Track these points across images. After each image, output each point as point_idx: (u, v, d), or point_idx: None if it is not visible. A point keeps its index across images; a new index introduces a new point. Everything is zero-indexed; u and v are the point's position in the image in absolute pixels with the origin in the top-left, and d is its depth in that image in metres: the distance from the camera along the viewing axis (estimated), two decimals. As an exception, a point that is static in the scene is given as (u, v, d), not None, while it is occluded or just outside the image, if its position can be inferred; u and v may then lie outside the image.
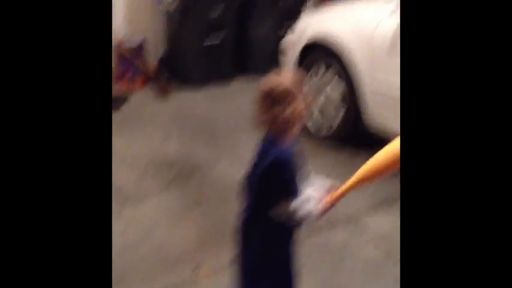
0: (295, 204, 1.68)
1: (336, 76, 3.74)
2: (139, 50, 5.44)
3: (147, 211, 3.05)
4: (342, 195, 1.76)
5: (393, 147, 1.77)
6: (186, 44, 5.22)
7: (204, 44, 5.13)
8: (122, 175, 3.38)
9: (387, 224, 2.83)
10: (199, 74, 5.19)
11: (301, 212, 1.68)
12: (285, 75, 1.79)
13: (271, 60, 5.24)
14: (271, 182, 1.71)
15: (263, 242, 1.81)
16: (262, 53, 5.42)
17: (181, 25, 5.23)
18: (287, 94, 1.70)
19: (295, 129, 1.74)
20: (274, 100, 1.70)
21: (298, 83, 1.74)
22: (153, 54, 5.66)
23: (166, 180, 3.42)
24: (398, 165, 1.74)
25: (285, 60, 4.32)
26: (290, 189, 1.69)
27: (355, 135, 3.66)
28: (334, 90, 3.74)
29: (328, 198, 1.75)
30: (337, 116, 3.73)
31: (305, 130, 4.01)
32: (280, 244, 1.82)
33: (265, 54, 5.40)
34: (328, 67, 3.82)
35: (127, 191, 3.25)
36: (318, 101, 3.87)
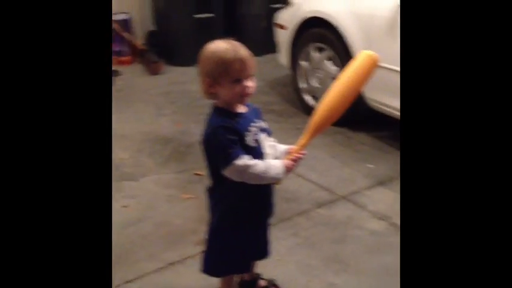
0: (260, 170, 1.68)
1: (328, 61, 3.72)
2: (125, 24, 5.36)
3: (146, 188, 3.03)
4: (300, 150, 1.80)
5: (334, 93, 1.82)
6: (175, 19, 5.16)
7: (195, 17, 5.07)
8: (117, 152, 3.35)
9: (387, 200, 2.84)
10: (189, 49, 5.10)
11: (267, 178, 1.70)
12: (233, 45, 1.69)
13: (264, 36, 5.23)
14: (206, 150, 1.73)
15: (221, 205, 1.82)
16: (254, 28, 5.38)
17: (169, 1, 5.17)
18: (229, 67, 1.65)
19: (239, 104, 1.73)
20: (214, 73, 1.66)
21: (244, 57, 1.67)
22: (141, 30, 5.60)
23: (163, 157, 3.40)
24: (344, 109, 1.80)
25: (278, 36, 4.30)
26: (227, 156, 1.65)
27: (355, 109, 3.64)
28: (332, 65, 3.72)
29: (288, 160, 1.76)
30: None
31: (304, 104, 4.01)
32: (238, 208, 1.81)
33: (257, 30, 5.37)
34: (320, 51, 3.80)
35: (124, 169, 3.22)
36: (316, 74, 3.85)
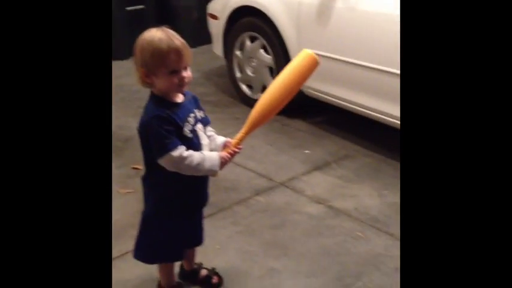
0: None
1: (262, 50, 3.76)
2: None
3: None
4: (237, 144, 1.84)
5: (272, 91, 1.87)
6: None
7: (127, 9, 5.00)
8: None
9: (324, 184, 2.91)
10: (122, 42, 5.02)
11: (202, 170, 1.73)
12: (168, 34, 1.69)
13: (198, 26, 5.22)
14: (141, 138, 1.74)
15: (154, 194, 1.84)
16: (187, 19, 5.35)
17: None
18: (165, 58, 1.65)
19: (176, 94, 1.75)
20: (150, 64, 1.67)
21: (180, 47, 1.67)
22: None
23: (100, 152, 3.35)
24: (282, 106, 1.86)
25: (211, 27, 4.30)
26: (162, 147, 1.67)
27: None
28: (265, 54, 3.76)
29: (225, 152, 1.80)
30: (270, 77, 3.75)
31: (241, 93, 4.03)
32: (171, 196, 1.83)
33: (190, 21, 5.34)
34: (253, 40, 3.83)
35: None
36: (251, 63, 3.88)
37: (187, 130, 1.72)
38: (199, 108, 1.85)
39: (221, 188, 2.88)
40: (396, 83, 2.86)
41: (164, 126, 1.66)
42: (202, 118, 1.85)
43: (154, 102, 1.71)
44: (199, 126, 1.80)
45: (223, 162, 1.79)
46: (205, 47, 5.02)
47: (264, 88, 3.83)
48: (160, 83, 1.69)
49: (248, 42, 3.86)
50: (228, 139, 1.87)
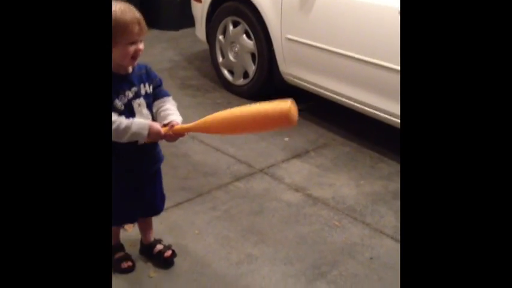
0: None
1: (244, 35, 3.76)
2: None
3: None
4: (180, 131, 1.86)
5: (236, 119, 1.83)
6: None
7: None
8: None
9: (303, 172, 2.95)
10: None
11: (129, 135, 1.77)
12: (128, 6, 1.77)
13: (181, 9, 5.18)
14: None
15: None
16: (170, 1, 5.32)
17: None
18: (128, 29, 1.72)
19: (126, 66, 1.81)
20: (120, 28, 1.71)
21: (141, 19, 1.75)
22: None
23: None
24: (236, 132, 1.87)
25: (194, 10, 4.28)
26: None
27: (271, 84, 3.72)
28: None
29: (159, 126, 1.84)
30: (252, 64, 3.76)
31: (223, 78, 4.03)
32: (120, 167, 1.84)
33: (173, 3, 5.30)
34: (236, 25, 3.83)
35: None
36: (233, 48, 3.88)
37: (118, 103, 1.79)
38: (150, 82, 1.90)
39: (200, 173, 2.90)
40: (377, 73, 2.90)
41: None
42: (148, 93, 1.90)
43: None
44: (138, 101, 1.86)
45: (155, 133, 1.82)
46: (187, 30, 4.99)
47: (245, 74, 3.85)
48: (116, 54, 1.73)
49: (231, 27, 3.86)
50: (177, 122, 1.88)
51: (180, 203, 2.62)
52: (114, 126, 1.72)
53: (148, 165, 2.01)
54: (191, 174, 2.89)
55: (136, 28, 1.74)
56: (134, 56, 1.77)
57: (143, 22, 1.76)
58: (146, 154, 1.96)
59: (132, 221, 2.14)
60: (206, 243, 2.34)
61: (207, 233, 2.41)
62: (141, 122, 1.81)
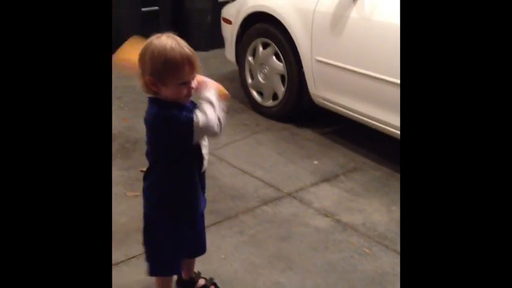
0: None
1: (274, 57, 3.74)
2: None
3: (90, 186, 2.97)
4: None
5: None
6: (121, 11, 5.07)
7: (142, 10, 5.01)
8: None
9: (332, 197, 2.88)
10: (135, 43, 5.06)
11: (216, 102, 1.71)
12: (178, 43, 1.66)
13: (211, 30, 5.21)
14: (152, 136, 1.76)
15: (154, 192, 1.84)
16: (200, 22, 5.35)
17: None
18: (179, 70, 1.63)
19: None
20: (161, 73, 1.64)
21: (191, 58, 1.64)
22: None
23: (108, 154, 3.34)
24: None
25: (224, 31, 4.28)
26: (186, 124, 1.66)
27: (300, 106, 3.68)
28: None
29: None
30: (281, 85, 3.73)
31: (252, 99, 4.01)
32: (169, 195, 1.82)
33: (203, 24, 5.33)
34: (265, 47, 3.81)
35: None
36: (262, 70, 3.86)
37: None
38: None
39: (228, 196, 2.86)
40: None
41: (178, 116, 1.66)
42: None
43: (161, 104, 1.69)
44: None
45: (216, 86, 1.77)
46: (217, 51, 5.00)
47: (275, 96, 3.81)
48: (168, 92, 1.67)
49: (260, 49, 3.84)
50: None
51: (207, 226, 2.54)
52: (203, 116, 1.65)
53: (200, 205, 1.94)
54: (218, 197, 2.85)
55: (187, 68, 1.63)
56: (187, 95, 1.68)
57: (195, 59, 1.65)
58: (199, 194, 1.90)
59: (178, 272, 2.02)
60: (232, 269, 2.29)
61: (233, 258, 2.36)
62: (209, 94, 1.72)
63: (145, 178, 1.86)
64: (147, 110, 1.74)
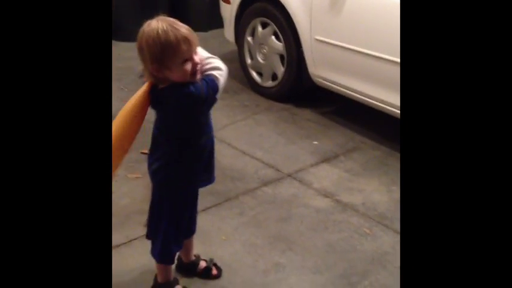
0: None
1: (273, 36, 3.72)
2: None
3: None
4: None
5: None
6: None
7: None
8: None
9: (332, 177, 2.89)
10: (134, 24, 4.98)
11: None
12: (171, 24, 1.65)
13: (210, 10, 5.17)
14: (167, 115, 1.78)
15: (161, 174, 1.85)
16: (199, 2, 5.30)
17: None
18: (176, 49, 1.63)
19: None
20: (161, 57, 1.64)
21: (187, 35, 1.64)
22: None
23: (108, 136, 3.34)
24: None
25: (223, 11, 4.25)
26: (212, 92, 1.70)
27: (300, 86, 3.68)
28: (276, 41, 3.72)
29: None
30: (281, 65, 3.71)
31: (251, 80, 4.00)
32: (179, 174, 1.85)
33: (202, 4, 5.29)
34: (264, 27, 3.78)
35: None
36: (261, 50, 3.84)
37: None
38: None
39: (228, 178, 2.86)
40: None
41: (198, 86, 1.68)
42: None
43: (177, 86, 1.69)
44: None
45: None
46: (216, 31, 4.97)
47: (274, 76, 3.80)
48: (174, 75, 1.67)
49: (260, 28, 3.82)
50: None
51: (207, 208, 2.59)
52: (220, 80, 1.71)
53: (214, 176, 1.99)
54: (218, 179, 2.80)
55: (183, 47, 1.62)
56: (193, 72, 1.67)
57: (191, 36, 1.64)
58: (214, 164, 1.95)
59: (181, 247, 2.03)
60: (233, 250, 2.31)
61: (234, 239, 2.37)
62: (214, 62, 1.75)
63: (152, 162, 1.86)
64: (161, 95, 1.73)
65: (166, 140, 1.82)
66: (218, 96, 1.72)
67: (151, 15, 1.69)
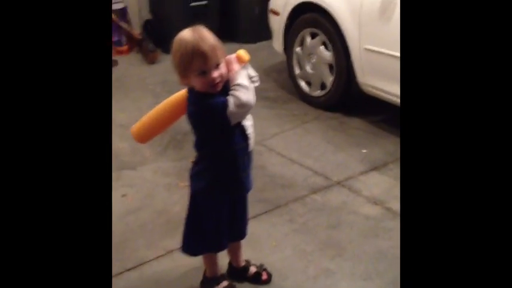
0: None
1: (322, 46, 3.75)
2: (123, 12, 5.36)
3: (145, 177, 3.07)
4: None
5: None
6: (170, 7, 5.17)
7: (191, 5, 5.09)
8: (115, 141, 3.38)
9: (382, 185, 2.89)
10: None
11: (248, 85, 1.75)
12: (196, 37, 1.70)
13: (259, 22, 5.24)
14: (194, 127, 1.84)
15: (202, 177, 1.91)
16: (248, 14, 5.38)
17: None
18: (190, 63, 1.69)
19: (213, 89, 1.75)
20: (180, 67, 1.72)
21: (204, 50, 1.68)
22: (138, 19, 5.61)
23: (161, 145, 3.43)
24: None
25: (272, 23, 4.31)
26: (220, 111, 1.72)
27: (349, 95, 3.69)
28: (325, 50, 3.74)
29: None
30: (329, 75, 3.74)
31: (300, 90, 4.03)
32: (217, 179, 1.90)
33: (251, 16, 5.37)
34: (313, 37, 3.82)
35: (123, 158, 3.26)
36: (310, 60, 3.87)
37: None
38: None
39: (278, 185, 2.90)
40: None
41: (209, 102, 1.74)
42: None
43: (196, 96, 1.77)
44: None
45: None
46: (265, 42, 5.04)
47: (323, 85, 3.83)
48: (195, 84, 1.75)
49: (308, 39, 3.85)
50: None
51: (258, 215, 2.63)
52: (236, 101, 1.71)
53: (247, 186, 2.00)
54: (268, 186, 2.90)
55: (197, 60, 1.67)
56: (211, 84, 1.72)
57: (211, 52, 1.68)
58: (247, 175, 1.97)
59: (225, 247, 2.08)
60: (283, 256, 2.34)
61: (284, 246, 2.40)
62: (239, 78, 1.77)
63: (194, 165, 1.95)
64: (187, 100, 1.82)
65: (197, 149, 1.91)
66: (234, 110, 1.72)
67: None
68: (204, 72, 1.70)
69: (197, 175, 1.93)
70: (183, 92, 1.87)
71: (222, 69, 1.74)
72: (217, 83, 1.73)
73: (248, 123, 1.87)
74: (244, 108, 1.74)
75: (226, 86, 1.79)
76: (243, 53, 1.82)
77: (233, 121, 1.75)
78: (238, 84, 1.74)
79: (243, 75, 1.77)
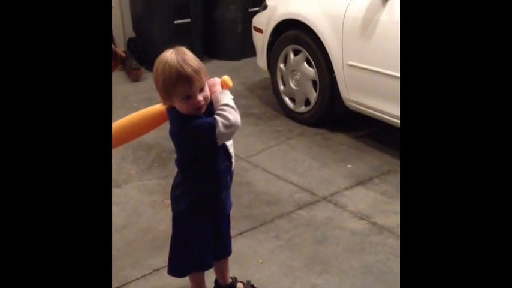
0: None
1: (305, 63, 3.78)
2: (106, 31, 5.36)
3: (130, 195, 3.05)
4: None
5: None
6: (154, 25, 5.18)
7: (175, 22, 5.11)
8: (100, 160, 3.36)
9: (367, 200, 2.90)
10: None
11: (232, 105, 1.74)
12: (179, 60, 1.66)
13: (243, 39, 5.28)
14: (177, 146, 1.84)
15: (185, 198, 1.90)
16: (232, 32, 5.41)
17: (147, 6, 5.20)
18: (175, 88, 1.67)
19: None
20: (164, 91, 1.71)
21: (188, 74, 1.65)
22: (122, 37, 5.62)
23: (146, 163, 3.42)
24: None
25: (256, 40, 4.34)
26: (207, 131, 1.71)
27: (333, 110, 3.71)
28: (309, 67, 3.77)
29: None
30: (313, 91, 3.76)
31: (284, 106, 4.05)
32: (199, 202, 1.89)
33: (235, 34, 5.40)
34: (296, 54, 3.85)
35: (107, 176, 3.25)
36: (294, 76, 3.90)
37: None
38: None
39: (263, 202, 2.90)
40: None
41: (196, 124, 1.72)
42: None
43: (180, 118, 1.75)
44: None
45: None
46: (249, 59, 5.07)
47: (307, 101, 3.85)
48: (178, 107, 1.73)
49: (292, 55, 3.88)
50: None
51: (243, 232, 2.62)
52: (224, 120, 1.70)
53: (229, 205, 2.00)
54: (254, 203, 2.89)
55: (184, 86, 1.66)
56: (196, 108, 1.71)
57: (195, 75, 1.65)
58: (229, 194, 1.97)
59: (210, 266, 2.07)
60: (270, 273, 2.33)
61: (270, 262, 2.40)
62: (225, 95, 1.77)
63: (176, 186, 1.94)
64: (170, 121, 1.82)
65: (180, 168, 1.90)
66: (223, 131, 1.71)
67: (185, 45, 1.75)
68: (189, 97, 1.69)
69: (180, 197, 1.92)
70: (161, 107, 1.85)
71: (207, 91, 1.73)
72: (202, 105, 1.72)
73: (229, 142, 1.87)
74: (232, 128, 1.72)
75: (209, 107, 1.78)
76: (227, 78, 1.81)
77: (220, 142, 1.75)
78: (226, 104, 1.73)
79: (227, 95, 1.77)
